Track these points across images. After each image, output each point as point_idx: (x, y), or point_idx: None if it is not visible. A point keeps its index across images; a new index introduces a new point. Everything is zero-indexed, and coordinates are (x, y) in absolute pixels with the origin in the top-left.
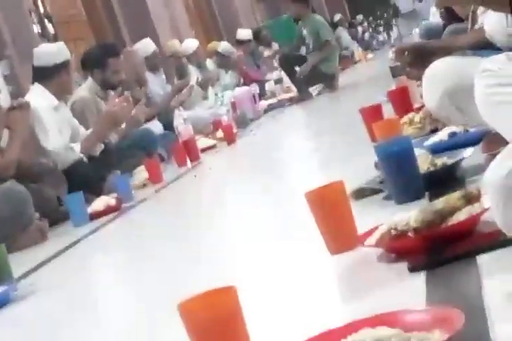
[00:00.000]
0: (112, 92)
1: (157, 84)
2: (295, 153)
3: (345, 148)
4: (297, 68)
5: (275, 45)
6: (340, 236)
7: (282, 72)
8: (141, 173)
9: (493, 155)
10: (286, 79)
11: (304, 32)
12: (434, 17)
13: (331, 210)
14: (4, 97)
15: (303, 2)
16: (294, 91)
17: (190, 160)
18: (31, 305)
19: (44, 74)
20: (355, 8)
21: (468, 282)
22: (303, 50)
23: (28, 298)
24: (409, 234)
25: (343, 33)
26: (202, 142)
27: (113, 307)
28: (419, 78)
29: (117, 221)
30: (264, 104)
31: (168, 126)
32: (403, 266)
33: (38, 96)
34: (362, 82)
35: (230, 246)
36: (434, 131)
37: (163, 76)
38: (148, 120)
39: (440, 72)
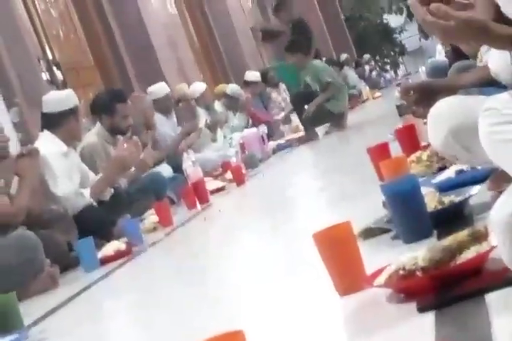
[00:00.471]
0: (120, 137)
1: (168, 127)
2: (303, 193)
3: (353, 187)
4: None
5: (282, 86)
6: (348, 276)
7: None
8: (151, 217)
9: (500, 193)
10: (295, 119)
11: (307, 79)
12: (440, 55)
13: (338, 251)
14: (14, 145)
15: (301, 52)
16: (302, 131)
17: (200, 203)
18: None
19: (53, 121)
20: (361, 47)
21: (477, 321)
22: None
23: None
24: (418, 273)
25: (350, 72)
26: (211, 184)
27: None
28: (425, 116)
29: (128, 265)
30: (272, 144)
31: (177, 168)
32: (412, 306)
33: (47, 143)
34: (370, 120)
35: (240, 288)
36: (442, 168)
37: (175, 119)
38: (157, 163)
39: (445, 111)
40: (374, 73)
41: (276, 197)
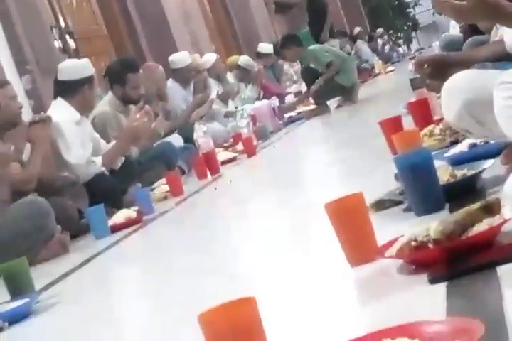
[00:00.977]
0: (132, 107)
1: (183, 98)
2: (314, 166)
3: (364, 161)
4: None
5: None
6: (360, 247)
7: (302, 85)
8: (161, 186)
9: None
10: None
11: (311, 65)
12: (454, 29)
13: (350, 222)
14: (26, 112)
15: (294, 44)
16: (313, 104)
17: (211, 173)
18: (53, 317)
19: (67, 89)
20: (374, 21)
21: (489, 293)
22: None
23: (49, 310)
24: (430, 245)
25: (363, 45)
26: (222, 155)
27: (133, 319)
28: (439, 90)
29: (138, 233)
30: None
31: (189, 139)
32: (423, 277)
33: (61, 110)
34: (382, 94)
35: (250, 258)
36: (455, 142)
37: (192, 89)
38: (168, 133)
39: (459, 84)
40: (387, 47)
41: (287, 169)
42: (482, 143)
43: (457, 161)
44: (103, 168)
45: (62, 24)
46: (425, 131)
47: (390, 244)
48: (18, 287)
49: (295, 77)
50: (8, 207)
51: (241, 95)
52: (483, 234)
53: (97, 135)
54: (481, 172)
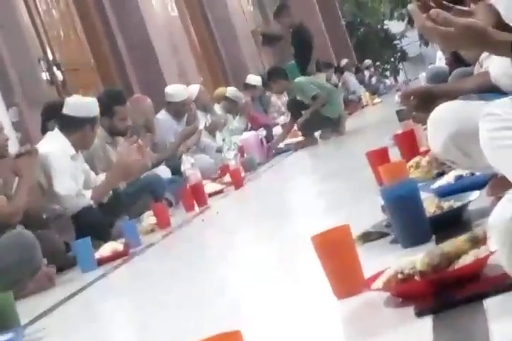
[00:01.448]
0: (120, 138)
1: (173, 131)
2: (302, 197)
3: (351, 192)
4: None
5: None
6: (346, 280)
7: (289, 117)
8: (148, 218)
9: (499, 198)
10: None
11: (298, 97)
12: (441, 61)
13: (336, 254)
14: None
15: (281, 78)
16: (301, 136)
17: (198, 205)
18: None
19: (70, 124)
20: (361, 53)
21: (476, 326)
22: None
23: None
24: (416, 277)
25: (350, 77)
26: (209, 187)
27: None
28: (425, 122)
29: (125, 266)
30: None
31: (176, 171)
32: (410, 310)
33: (57, 142)
34: (369, 126)
35: (236, 290)
36: (441, 174)
37: (184, 122)
38: (155, 165)
39: (444, 116)
40: (374, 79)
41: (274, 200)
42: (468, 174)
43: (443, 193)
44: (91, 202)
45: (50, 56)
46: (412, 162)
47: (377, 276)
48: (4, 321)
49: (283, 109)
50: None
51: (229, 126)
52: (470, 266)
53: (87, 167)
54: (467, 203)
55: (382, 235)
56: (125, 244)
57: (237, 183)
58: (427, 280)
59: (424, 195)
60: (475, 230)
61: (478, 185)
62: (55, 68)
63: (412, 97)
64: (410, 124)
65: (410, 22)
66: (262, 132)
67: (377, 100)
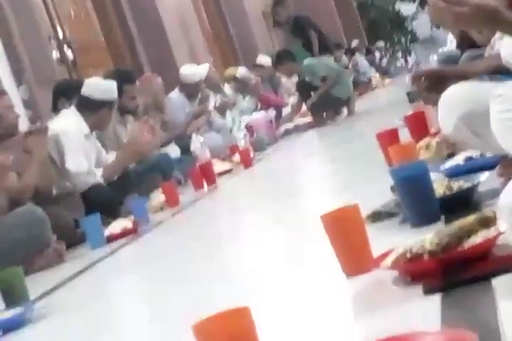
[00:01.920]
0: (130, 117)
1: (184, 111)
2: (311, 177)
3: (361, 173)
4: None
5: None
6: (355, 258)
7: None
8: (158, 197)
9: (509, 179)
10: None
11: (307, 78)
12: (452, 44)
13: (346, 233)
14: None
15: (288, 60)
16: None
17: (207, 184)
18: (47, 326)
19: (88, 105)
20: (372, 34)
21: (484, 305)
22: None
23: (44, 319)
24: (425, 256)
25: (361, 58)
26: (218, 166)
27: (128, 329)
28: (435, 103)
29: (134, 243)
30: (281, 128)
31: (186, 150)
32: (418, 288)
33: (71, 120)
34: (379, 107)
35: (245, 268)
36: (451, 155)
37: (197, 103)
38: (165, 144)
39: (456, 97)
40: (384, 60)
41: (283, 180)
42: (478, 155)
43: (453, 174)
44: (101, 179)
45: (61, 35)
46: (422, 143)
47: (386, 255)
48: (13, 296)
49: (293, 90)
50: (4, 216)
51: (238, 107)
52: (479, 246)
53: (100, 145)
54: (476, 184)
55: (391, 215)
56: (134, 222)
57: (246, 163)
58: (436, 259)
59: (434, 176)
60: (484, 211)
61: (488, 166)
62: (65, 47)
63: (423, 78)
64: (421, 105)
65: (421, 4)
66: (272, 112)
67: (387, 82)
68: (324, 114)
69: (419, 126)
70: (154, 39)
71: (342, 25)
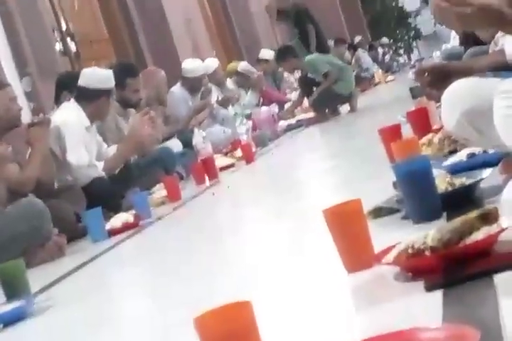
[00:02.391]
0: (132, 110)
1: (187, 105)
2: (313, 173)
3: (363, 168)
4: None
5: None
6: (356, 254)
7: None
8: (159, 191)
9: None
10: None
11: (309, 74)
12: (455, 40)
13: (348, 228)
14: (25, 114)
15: (291, 56)
16: (312, 112)
17: (209, 179)
18: (48, 319)
19: (86, 96)
20: (375, 31)
21: (485, 301)
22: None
23: (45, 312)
24: (427, 252)
25: (363, 54)
26: (220, 161)
27: (130, 322)
28: (438, 99)
29: (135, 237)
30: (283, 124)
31: (188, 144)
32: (420, 284)
33: (73, 113)
34: (381, 103)
35: (247, 262)
36: (453, 152)
37: (199, 97)
38: (167, 138)
39: (459, 93)
40: (387, 56)
41: (285, 176)
42: (481, 152)
43: (456, 170)
44: (103, 173)
45: (64, 27)
46: (424, 139)
47: (387, 250)
48: (14, 289)
49: (295, 85)
50: (4, 208)
51: (241, 101)
52: (481, 242)
53: (101, 138)
54: (479, 181)
55: (393, 211)
56: (136, 216)
57: (248, 158)
58: (438, 255)
59: (436, 172)
60: (487, 207)
61: (490, 163)
62: (68, 39)
63: (426, 74)
64: (424, 101)
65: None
66: (274, 108)
67: (390, 78)
68: (326, 109)
69: (422, 122)
70: (157, 33)
71: (345, 20)
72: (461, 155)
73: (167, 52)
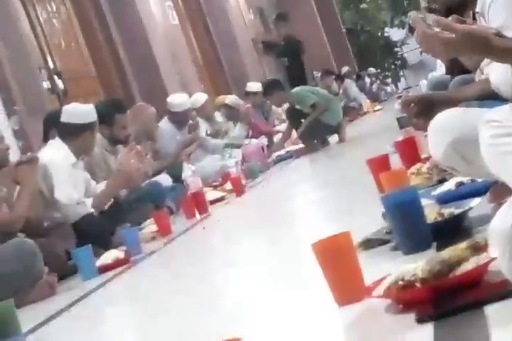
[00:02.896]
0: (120, 147)
1: (175, 140)
2: (303, 205)
3: (352, 199)
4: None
5: None
6: (347, 287)
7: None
8: (149, 226)
9: (500, 205)
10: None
11: (297, 107)
12: (441, 68)
13: (337, 261)
14: (14, 152)
15: (277, 89)
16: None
17: (199, 213)
18: None
19: (69, 132)
20: (362, 61)
21: (476, 333)
22: None
23: None
24: (417, 284)
25: (351, 84)
26: (210, 194)
27: None
28: (426, 129)
29: (126, 274)
30: (272, 155)
31: (177, 178)
32: (411, 317)
33: (58, 151)
34: (370, 133)
35: (239, 297)
36: (442, 181)
37: (186, 131)
38: (156, 174)
39: (445, 123)
40: (375, 86)
41: (275, 208)
42: (469, 181)
43: (444, 200)
44: (92, 209)
45: (51, 65)
46: (412, 169)
47: (378, 283)
48: (5, 329)
49: (283, 116)
50: None
51: (229, 134)
52: (470, 273)
53: (89, 175)
54: (467, 210)
55: (382, 242)
56: (126, 252)
57: (238, 190)
58: (428, 286)
59: (425, 202)
60: (476, 237)
61: (479, 192)
62: (55, 77)
63: (412, 104)
64: (411, 131)
65: (411, 30)
66: (264, 140)
67: (378, 107)
68: (315, 140)
69: (410, 151)
70: (145, 68)
71: (332, 51)
72: (450, 185)
73: (155, 87)
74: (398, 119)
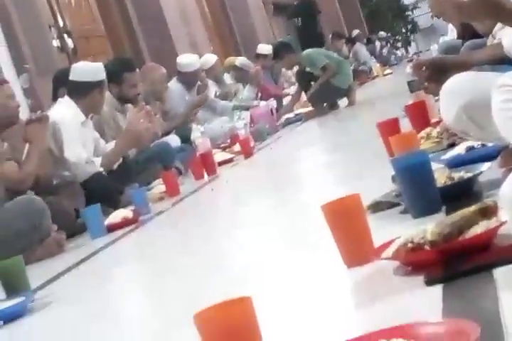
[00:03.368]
0: (130, 106)
1: (184, 101)
2: (312, 168)
3: (362, 162)
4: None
5: None
6: (356, 248)
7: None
8: (158, 186)
9: (510, 170)
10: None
11: (307, 69)
12: (453, 32)
13: (347, 223)
14: (23, 111)
15: (288, 52)
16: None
17: (208, 174)
18: (48, 316)
19: (78, 90)
20: (373, 24)
21: (485, 295)
22: None
23: (44, 309)
24: (426, 247)
25: (361, 48)
26: (219, 156)
27: (129, 318)
28: (436, 93)
29: (134, 233)
30: (281, 118)
31: (186, 139)
32: (419, 279)
33: (67, 109)
34: (379, 97)
35: (247, 258)
36: (452, 145)
37: (195, 92)
38: (165, 134)
39: (457, 87)
40: (385, 50)
41: (284, 170)
42: (480, 145)
43: (454, 164)
44: (101, 169)
45: (61, 23)
46: (422, 133)
47: (387, 245)
48: (14, 286)
49: (293, 79)
50: (3, 205)
51: (239, 96)
52: (480, 236)
53: (98, 135)
54: (478, 174)
55: (392, 205)
56: (135, 212)
57: (247, 153)
58: (437, 249)
59: (434, 166)
60: (486, 201)
61: (489, 157)
62: (65, 35)
63: (423, 68)
64: (422, 95)
65: None
66: (273, 102)
67: (387, 71)
68: (325, 103)
69: (420, 115)
70: (154, 28)
71: (343, 14)
72: (460, 149)
73: (165, 48)
74: (409, 83)
